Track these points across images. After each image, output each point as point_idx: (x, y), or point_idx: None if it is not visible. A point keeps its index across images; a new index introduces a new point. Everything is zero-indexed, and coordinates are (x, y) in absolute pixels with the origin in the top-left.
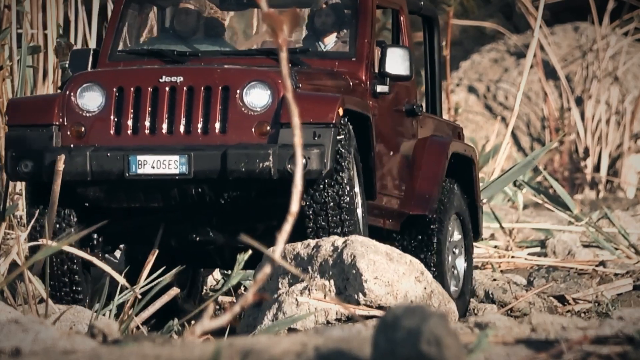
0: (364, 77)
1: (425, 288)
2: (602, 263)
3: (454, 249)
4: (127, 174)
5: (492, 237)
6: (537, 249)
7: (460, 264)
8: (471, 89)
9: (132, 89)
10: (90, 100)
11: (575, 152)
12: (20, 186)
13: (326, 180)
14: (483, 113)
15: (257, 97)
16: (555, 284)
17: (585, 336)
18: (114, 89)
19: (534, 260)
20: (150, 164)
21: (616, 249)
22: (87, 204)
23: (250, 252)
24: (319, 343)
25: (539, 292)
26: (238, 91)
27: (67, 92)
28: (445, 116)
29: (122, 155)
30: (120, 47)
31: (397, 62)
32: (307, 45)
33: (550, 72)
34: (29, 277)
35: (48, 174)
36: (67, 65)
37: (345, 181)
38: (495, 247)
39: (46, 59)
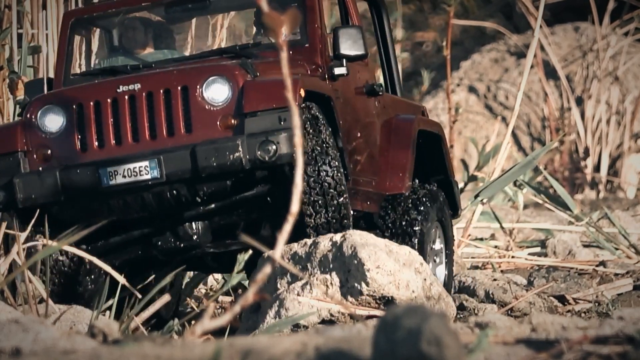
0: (320, 62)
1: (425, 279)
2: (603, 263)
3: (434, 257)
4: (100, 187)
5: (493, 237)
6: (538, 249)
7: (441, 272)
8: (471, 89)
9: (91, 103)
10: (52, 121)
11: (576, 152)
12: None
13: (311, 162)
14: (483, 113)
15: (217, 92)
16: (556, 284)
17: (586, 336)
18: (74, 107)
19: (534, 260)
20: (122, 174)
21: (616, 249)
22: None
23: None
24: (319, 343)
25: (539, 292)
26: (197, 88)
27: (28, 117)
28: (445, 116)
29: (91, 169)
30: (73, 71)
31: (350, 42)
32: (257, 42)
33: (550, 72)
34: (29, 277)
35: (21, 200)
36: (22, 99)
37: (328, 158)
38: (496, 247)
39: (47, 59)
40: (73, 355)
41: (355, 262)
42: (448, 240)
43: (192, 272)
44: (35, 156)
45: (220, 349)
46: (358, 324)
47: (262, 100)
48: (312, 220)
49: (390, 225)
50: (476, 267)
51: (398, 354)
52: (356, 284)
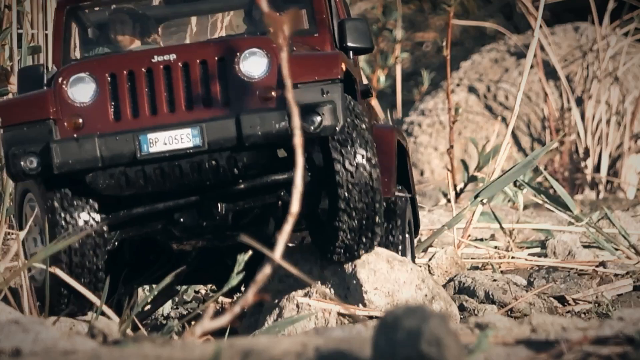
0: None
1: (426, 295)
2: (603, 264)
3: None
4: (139, 155)
5: (493, 237)
6: (538, 250)
7: None
8: (471, 89)
9: (125, 73)
10: (83, 90)
11: (576, 152)
12: None
13: (348, 129)
14: (483, 113)
15: (255, 65)
16: (556, 285)
17: (586, 337)
18: (107, 76)
19: (534, 260)
20: (162, 141)
21: (616, 249)
22: (98, 194)
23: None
24: (319, 343)
25: (539, 292)
26: (235, 61)
27: (58, 86)
28: (445, 116)
29: (131, 136)
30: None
31: (357, 35)
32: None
33: (550, 72)
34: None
35: (58, 166)
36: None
37: (364, 142)
38: (496, 247)
39: (46, 59)
40: (73, 355)
41: (354, 282)
42: (413, 254)
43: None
44: (66, 124)
45: (220, 349)
46: (358, 324)
47: (303, 73)
48: (344, 223)
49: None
50: (476, 268)
51: (398, 354)
52: (354, 304)
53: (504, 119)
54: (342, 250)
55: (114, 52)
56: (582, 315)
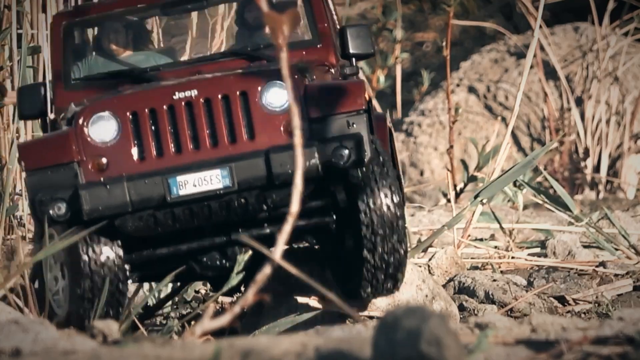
0: (334, 62)
1: (426, 295)
2: (602, 264)
3: None
4: (169, 198)
5: (492, 237)
6: (537, 250)
7: None
8: (471, 89)
9: (146, 111)
10: (105, 130)
11: (575, 152)
12: (20, 186)
13: (371, 164)
14: (483, 113)
15: (277, 97)
16: (555, 285)
17: (586, 337)
18: (128, 114)
19: (534, 260)
20: (192, 183)
21: (616, 249)
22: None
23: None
24: (319, 343)
25: (539, 292)
26: (257, 94)
27: (79, 126)
28: (445, 117)
29: (160, 179)
30: (74, 75)
31: (359, 41)
32: (240, 42)
33: (550, 73)
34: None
35: (88, 212)
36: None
37: (389, 180)
38: (495, 247)
39: (45, 66)
40: (73, 355)
41: None
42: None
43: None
44: (90, 166)
45: (220, 350)
46: (358, 324)
47: (328, 105)
48: (369, 262)
49: None
50: (476, 268)
51: (398, 354)
52: (354, 306)
53: (503, 119)
54: (367, 289)
55: (109, 60)
56: (582, 315)
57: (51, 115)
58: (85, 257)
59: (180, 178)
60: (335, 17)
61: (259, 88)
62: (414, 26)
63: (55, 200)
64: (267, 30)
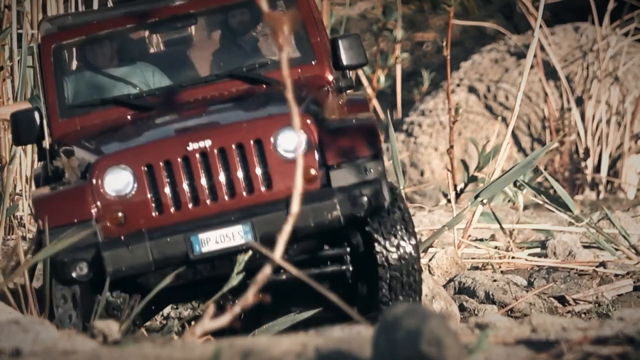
0: (330, 78)
1: (426, 295)
2: (603, 264)
3: None
4: (192, 256)
5: (493, 237)
6: (538, 250)
7: None
8: (471, 89)
9: (161, 164)
10: (120, 183)
11: (576, 152)
12: (20, 186)
13: (391, 211)
14: (483, 113)
15: (292, 143)
16: (556, 285)
17: (586, 337)
18: (143, 168)
19: (535, 261)
20: (214, 240)
21: (617, 249)
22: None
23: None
24: (319, 343)
25: (539, 292)
26: (271, 141)
27: (93, 181)
28: (445, 117)
29: (182, 237)
30: (68, 101)
31: (352, 52)
32: (224, 47)
33: (550, 73)
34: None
35: (111, 273)
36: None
37: (403, 208)
38: (496, 247)
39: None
40: (73, 355)
41: None
42: None
43: None
44: (108, 223)
45: (220, 350)
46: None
47: (344, 151)
48: (385, 303)
49: None
50: (476, 268)
51: (398, 354)
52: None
53: (504, 119)
54: None
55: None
56: (582, 316)
57: (47, 141)
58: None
59: (202, 235)
60: (322, 24)
61: (273, 134)
62: (414, 26)
63: (76, 262)
64: (252, 33)
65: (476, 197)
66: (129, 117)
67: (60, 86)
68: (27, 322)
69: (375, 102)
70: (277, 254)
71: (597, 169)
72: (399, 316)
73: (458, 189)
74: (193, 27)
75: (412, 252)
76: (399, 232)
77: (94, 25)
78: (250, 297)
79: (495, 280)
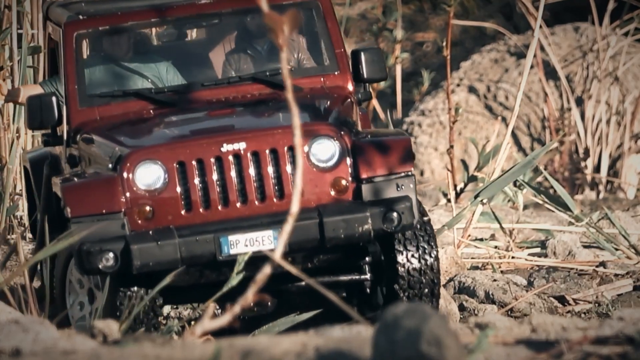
0: (351, 89)
1: None
2: (603, 264)
3: None
4: (220, 257)
5: (493, 237)
6: (538, 250)
7: None
8: (471, 89)
9: (194, 162)
10: (151, 178)
11: (576, 152)
12: (20, 186)
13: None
14: (483, 113)
15: (325, 153)
16: (556, 285)
17: (586, 337)
18: (175, 164)
19: (534, 260)
20: (243, 243)
21: (616, 249)
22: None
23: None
24: (319, 343)
25: (539, 292)
26: (306, 149)
27: (124, 173)
28: (445, 117)
29: (212, 237)
30: (88, 90)
31: (373, 66)
32: (239, 47)
33: (550, 73)
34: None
35: (138, 267)
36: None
37: (426, 222)
38: (496, 247)
39: (45, 64)
40: (73, 355)
41: None
42: None
43: None
44: (136, 216)
45: (220, 349)
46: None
47: (377, 166)
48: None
49: None
50: (476, 268)
51: (398, 354)
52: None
53: (504, 119)
54: None
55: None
56: (582, 315)
57: (63, 128)
58: (121, 290)
59: (232, 237)
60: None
61: (307, 143)
62: (414, 26)
63: (103, 252)
64: (265, 38)
65: (476, 196)
66: (151, 111)
67: (81, 74)
68: (27, 322)
69: (375, 102)
70: (277, 254)
71: (597, 169)
72: (399, 316)
73: (458, 188)
74: (210, 27)
75: (434, 264)
76: (421, 245)
77: (119, 16)
78: (249, 297)
79: (495, 280)
